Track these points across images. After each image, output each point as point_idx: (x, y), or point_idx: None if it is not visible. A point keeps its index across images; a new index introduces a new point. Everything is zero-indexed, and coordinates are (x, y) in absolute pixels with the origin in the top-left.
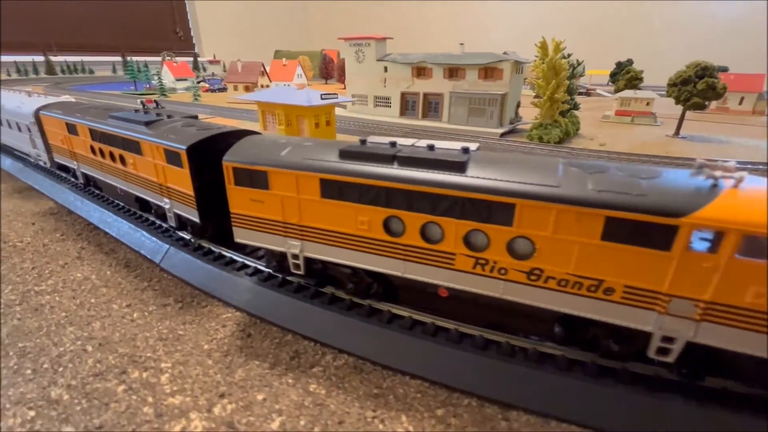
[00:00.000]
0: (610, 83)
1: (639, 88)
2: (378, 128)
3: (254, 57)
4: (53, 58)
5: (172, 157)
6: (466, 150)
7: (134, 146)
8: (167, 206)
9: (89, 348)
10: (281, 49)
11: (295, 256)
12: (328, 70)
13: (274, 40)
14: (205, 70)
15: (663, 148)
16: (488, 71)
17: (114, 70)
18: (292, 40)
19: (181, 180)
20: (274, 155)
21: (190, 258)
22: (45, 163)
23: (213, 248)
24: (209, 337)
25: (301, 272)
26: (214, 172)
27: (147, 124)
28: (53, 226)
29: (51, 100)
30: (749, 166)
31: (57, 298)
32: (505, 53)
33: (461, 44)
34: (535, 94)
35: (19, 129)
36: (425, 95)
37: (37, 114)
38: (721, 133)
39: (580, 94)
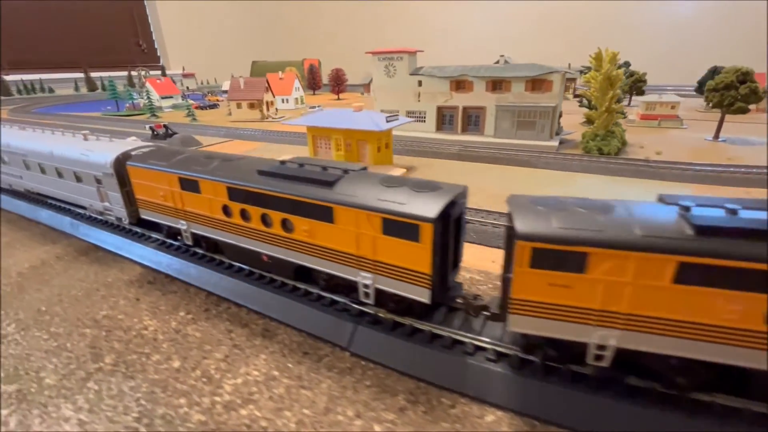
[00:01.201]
0: None
1: (643, 91)
2: (419, 145)
3: (226, 69)
4: (5, 77)
5: (398, 229)
6: None
7: (318, 211)
8: (367, 281)
9: None
10: (257, 60)
11: (601, 347)
12: (316, 80)
13: (245, 50)
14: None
15: (717, 154)
16: (536, 83)
17: (76, 88)
18: (264, 50)
19: (408, 255)
20: (593, 230)
21: (397, 341)
22: (122, 219)
23: (418, 326)
24: None
25: (604, 364)
26: (444, 241)
27: (332, 183)
28: (167, 301)
29: (124, 146)
30: None
31: (258, 413)
32: (502, 56)
33: (502, 56)
34: (587, 104)
35: (78, 179)
36: (464, 109)
37: (117, 164)
38: (754, 134)
39: (576, 95)
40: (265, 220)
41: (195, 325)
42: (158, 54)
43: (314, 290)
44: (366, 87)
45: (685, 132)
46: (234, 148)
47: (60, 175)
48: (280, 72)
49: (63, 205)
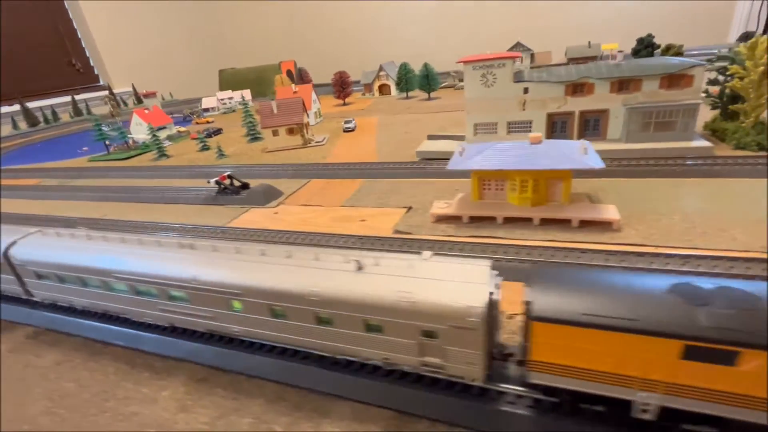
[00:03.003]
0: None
1: None
2: None
3: (180, 81)
4: None
5: None
6: None
7: None
8: None
9: None
10: (225, 68)
11: None
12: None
13: (198, 58)
14: (125, 104)
15: None
16: (673, 79)
17: (15, 126)
18: (219, 57)
19: None
20: None
21: None
22: (470, 379)
23: None
24: None
25: None
26: None
27: None
28: None
29: (457, 269)
30: None
31: None
32: (518, 43)
33: (620, 51)
34: (720, 98)
35: (372, 328)
36: (581, 113)
37: (487, 312)
38: None
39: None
40: None
41: None
42: (96, 72)
43: None
44: (366, 87)
45: None
46: (329, 193)
47: (324, 321)
48: (293, 85)
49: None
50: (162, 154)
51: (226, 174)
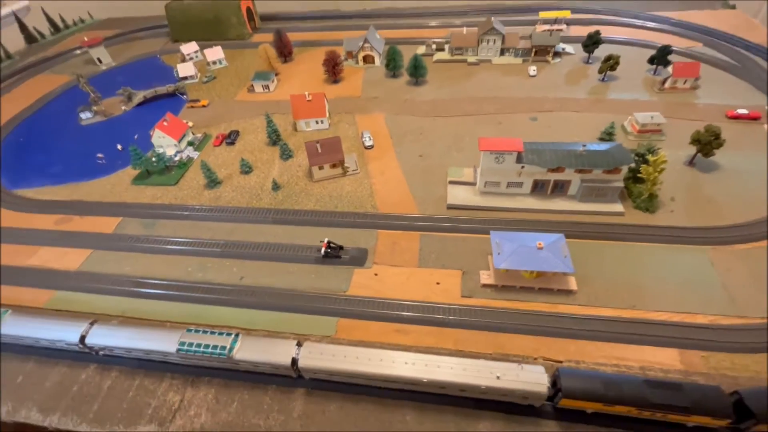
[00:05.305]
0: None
1: (615, 68)
2: (541, 224)
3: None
4: None
5: None
6: None
7: None
8: None
9: None
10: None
11: None
12: (287, 45)
13: None
14: (43, 37)
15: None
16: (612, 170)
17: None
18: None
19: None
20: None
21: None
22: None
23: None
24: None
25: None
26: None
27: None
28: None
29: None
30: None
31: None
32: (493, 28)
33: (584, 145)
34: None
35: None
36: (555, 180)
37: None
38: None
39: (556, 53)
40: None
41: None
42: None
43: None
44: (349, 54)
45: (666, 149)
46: (401, 250)
47: (479, 392)
48: (307, 93)
49: None
50: (216, 182)
51: (326, 241)
